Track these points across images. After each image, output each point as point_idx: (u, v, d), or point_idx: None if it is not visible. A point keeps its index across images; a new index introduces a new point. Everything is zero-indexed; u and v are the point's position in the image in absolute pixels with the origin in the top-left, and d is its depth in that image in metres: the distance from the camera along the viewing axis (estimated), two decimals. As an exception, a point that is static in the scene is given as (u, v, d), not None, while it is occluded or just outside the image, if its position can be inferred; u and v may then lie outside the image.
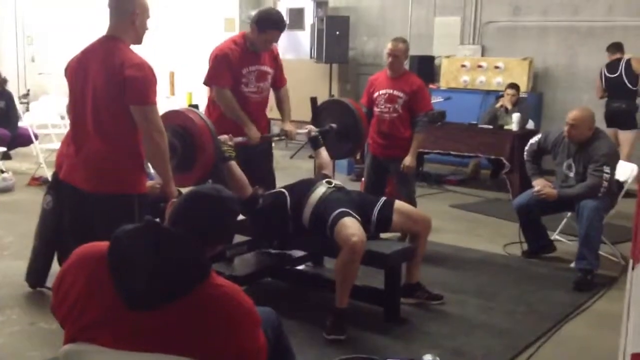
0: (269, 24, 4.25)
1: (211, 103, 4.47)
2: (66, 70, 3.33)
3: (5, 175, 7.27)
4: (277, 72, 4.53)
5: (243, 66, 4.29)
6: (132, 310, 1.85)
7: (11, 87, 9.68)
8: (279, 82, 4.58)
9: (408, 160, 5.08)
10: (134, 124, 3.16)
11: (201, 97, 11.06)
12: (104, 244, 1.95)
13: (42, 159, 7.72)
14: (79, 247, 2.04)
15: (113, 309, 1.87)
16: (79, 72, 3.22)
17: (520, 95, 8.13)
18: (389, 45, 5.10)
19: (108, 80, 3.11)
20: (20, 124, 8.40)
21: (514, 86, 7.96)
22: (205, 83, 4.35)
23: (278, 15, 4.40)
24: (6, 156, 8.24)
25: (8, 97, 8.42)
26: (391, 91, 5.11)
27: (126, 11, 3.20)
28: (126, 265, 1.86)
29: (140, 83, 3.09)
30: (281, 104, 4.61)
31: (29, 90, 12.55)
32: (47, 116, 8.76)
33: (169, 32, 10.91)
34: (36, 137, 8.20)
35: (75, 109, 3.29)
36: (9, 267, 4.72)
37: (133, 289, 1.84)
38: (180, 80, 11.53)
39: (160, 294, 1.84)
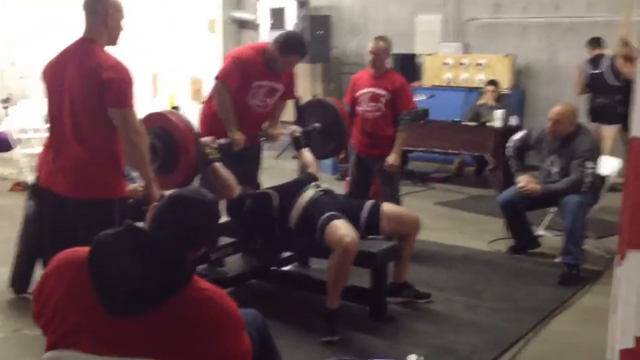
0: (293, 49, 4.24)
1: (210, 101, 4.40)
2: (43, 74, 3.29)
3: (-14, 181, 7.18)
4: (288, 87, 4.50)
5: (256, 79, 4.25)
6: (114, 316, 1.82)
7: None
8: (286, 96, 4.54)
9: (392, 159, 5.07)
10: (112, 127, 3.13)
11: (184, 98, 11.04)
12: (85, 249, 1.92)
13: (23, 164, 7.64)
14: (60, 252, 2.01)
15: (94, 314, 1.84)
16: (56, 75, 3.19)
17: (503, 92, 8.16)
18: (370, 44, 5.10)
19: (85, 84, 3.08)
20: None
21: (493, 82, 8.00)
22: (217, 77, 4.25)
23: (302, 41, 4.41)
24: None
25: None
26: (374, 90, 5.11)
27: (99, 12, 3.18)
28: (107, 271, 1.83)
29: (117, 85, 3.07)
30: (274, 112, 4.55)
31: (10, 95, 12.43)
32: (28, 121, 8.66)
33: (151, 33, 10.84)
34: (17, 142, 8.11)
35: (52, 113, 3.25)
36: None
37: (114, 294, 1.81)
38: (163, 82, 11.45)
39: (142, 299, 1.81)
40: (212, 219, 2.06)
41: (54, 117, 3.24)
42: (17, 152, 8.11)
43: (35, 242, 4.14)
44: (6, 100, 11.87)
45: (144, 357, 1.83)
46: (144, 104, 4.89)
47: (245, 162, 4.40)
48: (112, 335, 1.83)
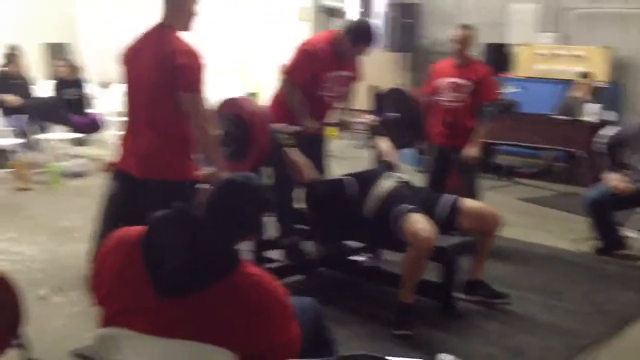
0: (363, 39, 4.18)
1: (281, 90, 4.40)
2: (121, 58, 3.37)
3: (80, 160, 7.50)
4: (356, 71, 4.45)
5: (328, 71, 4.20)
6: (163, 298, 1.83)
7: (90, 74, 10.00)
8: (354, 80, 4.48)
9: (471, 151, 4.93)
10: (184, 112, 3.18)
11: (273, 87, 11.11)
12: (140, 229, 1.95)
13: (114, 145, 7.92)
14: (116, 231, 2.05)
15: (145, 295, 1.86)
16: (133, 60, 3.28)
17: (599, 85, 7.79)
18: (454, 32, 4.96)
19: (160, 69, 3.14)
20: (94, 110, 8.67)
21: (586, 75, 7.63)
22: (285, 72, 4.26)
23: (372, 29, 4.30)
24: (82, 142, 8.51)
25: (82, 85, 8.71)
26: (457, 80, 4.97)
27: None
28: (157, 252, 1.85)
29: (189, 70, 3.12)
30: (345, 98, 4.50)
31: (107, 78, 12.92)
32: (120, 103, 8.97)
33: (243, 22, 10.97)
34: (109, 123, 8.45)
35: (129, 97, 3.34)
36: (77, 250, 4.84)
37: (163, 276, 1.83)
38: (253, 71, 11.58)
39: (190, 282, 1.82)
40: (261, 205, 2.04)
41: (131, 100, 3.33)
42: (108, 134, 8.44)
43: (115, 222, 4.25)
44: (104, 84, 12.36)
45: (192, 339, 1.84)
46: (233, 91, 4.93)
47: (313, 151, 4.38)
48: (162, 316, 1.85)
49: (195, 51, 3.17)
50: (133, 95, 3.31)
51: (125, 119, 3.55)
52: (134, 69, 3.27)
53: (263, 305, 1.88)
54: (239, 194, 1.99)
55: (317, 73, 4.14)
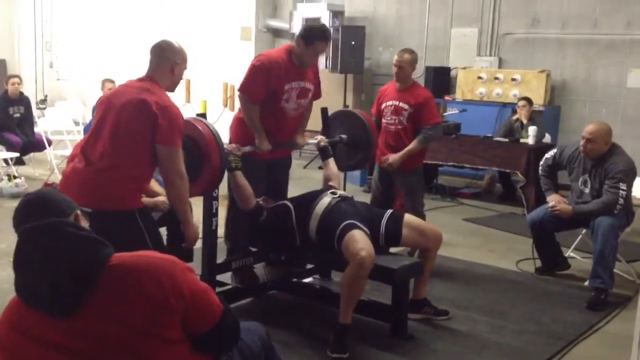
0: (315, 36, 4.12)
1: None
2: (99, 99, 3.42)
3: (17, 180, 7.28)
4: (316, 86, 4.40)
5: (286, 82, 4.14)
6: (60, 320, 1.82)
7: (29, 92, 9.74)
8: (314, 96, 4.42)
9: (392, 158, 4.98)
10: (145, 156, 3.21)
11: (217, 104, 11.07)
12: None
13: (55, 165, 7.73)
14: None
15: (46, 330, 1.85)
16: (112, 99, 3.28)
17: (537, 109, 8.02)
18: (395, 56, 5.01)
19: (136, 110, 3.15)
20: (35, 129, 8.44)
21: (526, 99, 7.86)
22: (240, 90, 4.20)
23: (322, 26, 4.35)
24: (19, 162, 8.27)
25: (27, 103, 8.48)
26: (397, 103, 5.02)
27: (168, 60, 3.33)
28: (30, 285, 1.84)
29: (170, 124, 3.16)
30: (304, 116, 4.46)
31: (46, 96, 12.64)
32: (63, 122, 8.79)
33: (185, 40, 10.90)
34: (49, 143, 8.23)
35: (94, 130, 3.28)
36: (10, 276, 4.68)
37: (47, 298, 1.81)
38: (195, 88, 11.52)
39: (68, 293, 1.81)
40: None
41: (95, 133, 3.26)
42: (49, 153, 8.23)
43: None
44: (42, 102, 12.08)
45: (106, 348, 1.84)
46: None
47: (278, 173, 4.37)
48: (71, 339, 1.84)
49: (177, 107, 3.24)
50: (98, 129, 3.25)
51: (76, 138, 3.49)
52: (111, 104, 3.25)
53: (152, 269, 1.89)
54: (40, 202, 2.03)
55: (275, 85, 4.10)
